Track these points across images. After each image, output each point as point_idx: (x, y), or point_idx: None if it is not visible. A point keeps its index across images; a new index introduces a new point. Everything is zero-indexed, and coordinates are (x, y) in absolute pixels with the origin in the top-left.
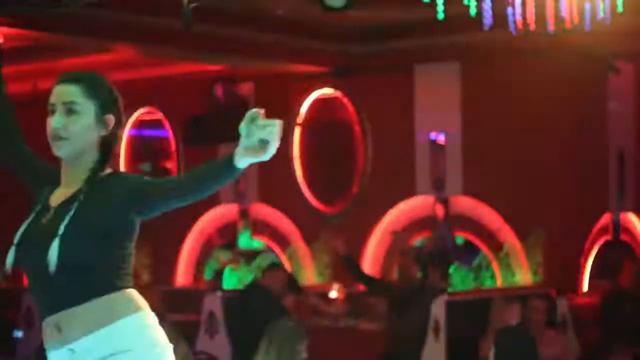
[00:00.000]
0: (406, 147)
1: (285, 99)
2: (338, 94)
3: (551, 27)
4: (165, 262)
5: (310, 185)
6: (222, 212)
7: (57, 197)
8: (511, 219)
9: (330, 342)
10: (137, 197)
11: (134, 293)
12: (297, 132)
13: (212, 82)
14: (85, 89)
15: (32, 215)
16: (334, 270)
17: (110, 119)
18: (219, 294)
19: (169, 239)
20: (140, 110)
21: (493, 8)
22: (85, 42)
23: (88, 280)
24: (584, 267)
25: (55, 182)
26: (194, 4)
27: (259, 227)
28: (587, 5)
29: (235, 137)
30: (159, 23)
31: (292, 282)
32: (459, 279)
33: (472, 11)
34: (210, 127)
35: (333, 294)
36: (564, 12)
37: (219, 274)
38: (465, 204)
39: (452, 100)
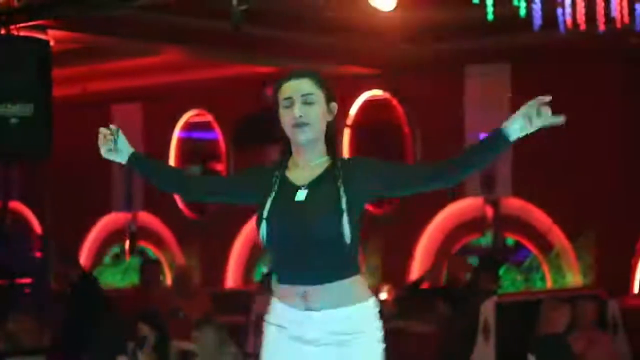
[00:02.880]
0: (456, 148)
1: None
2: (387, 95)
3: (601, 27)
4: (215, 264)
5: None
6: None
7: (300, 178)
8: (561, 220)
9: None
10: (389, 178)
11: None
12: (347, 133)
13: (262, 84)
14: (316, 81)
15: (273, 194)
16: (384, 271)
17: (335, 106)
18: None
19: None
20: (190, 113)
21: (543, 8)
22: (134, 45)
23: (345, 257)
24: (635, 268)
25: (279, 169)
26: (243, 7)
27: None
28: (638, 6)
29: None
30: (207, 25)
31: None
32: (509, 280)
33: (522, 12)
34: (259, 128)
35: (382, 295)
36: (615, 12)
37: (268, 276)
38: (515, 205)
39: (502, 101)
